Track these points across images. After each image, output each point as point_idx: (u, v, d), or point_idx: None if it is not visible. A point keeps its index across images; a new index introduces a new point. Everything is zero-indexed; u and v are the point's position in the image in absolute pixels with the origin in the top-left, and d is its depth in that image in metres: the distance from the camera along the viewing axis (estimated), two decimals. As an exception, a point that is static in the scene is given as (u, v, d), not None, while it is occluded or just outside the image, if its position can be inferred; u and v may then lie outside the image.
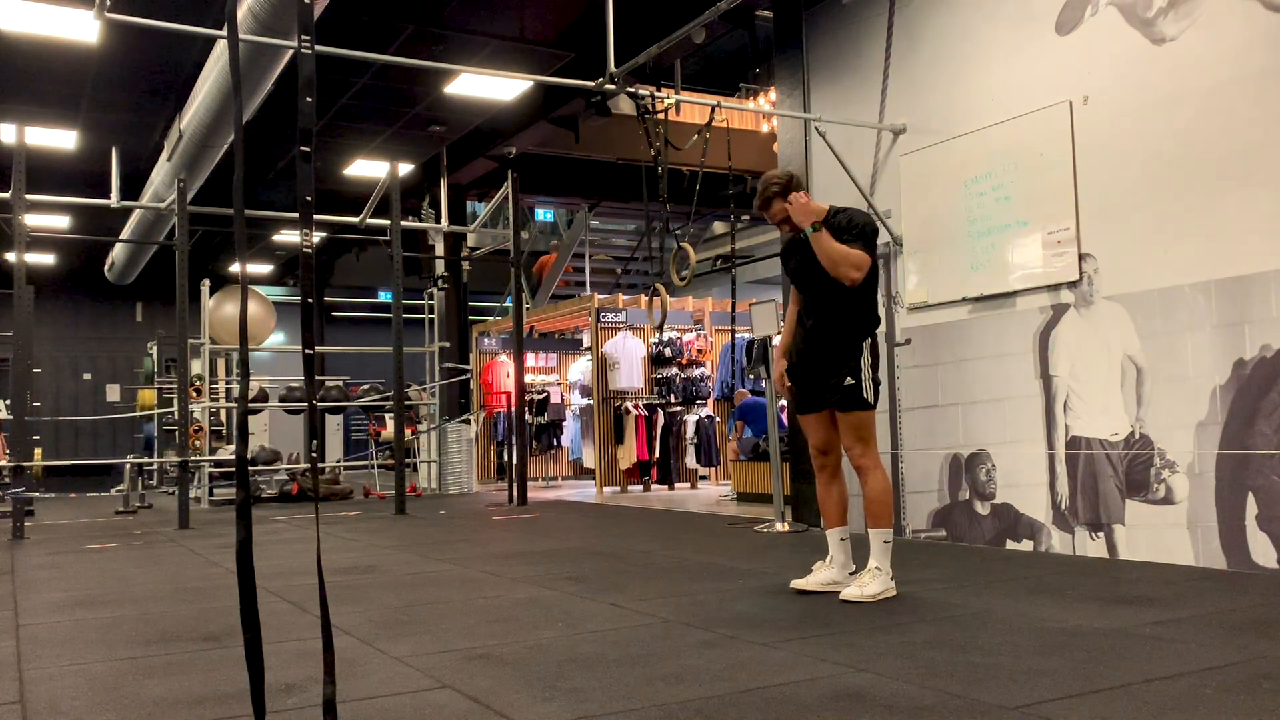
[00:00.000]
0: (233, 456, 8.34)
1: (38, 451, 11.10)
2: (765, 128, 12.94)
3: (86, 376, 19.47)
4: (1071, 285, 5.33)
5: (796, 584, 4.13)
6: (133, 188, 11.71)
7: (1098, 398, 5.20)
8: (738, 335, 10.93)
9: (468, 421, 12.31)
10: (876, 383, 4.09)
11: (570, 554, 5.77)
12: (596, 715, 2.49)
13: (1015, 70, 5.67)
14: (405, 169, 12.24)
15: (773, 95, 9.20)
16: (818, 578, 4.12)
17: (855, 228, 4.02)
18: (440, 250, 13.19)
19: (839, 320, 4.05)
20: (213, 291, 12.05)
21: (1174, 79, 4.86)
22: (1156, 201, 4.93)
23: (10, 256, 8.17)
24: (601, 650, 3.20)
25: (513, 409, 10.73)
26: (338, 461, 14.87)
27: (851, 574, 4.10)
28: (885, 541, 4.00)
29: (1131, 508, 5.00)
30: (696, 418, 11.98)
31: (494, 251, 13.56)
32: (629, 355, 11.82)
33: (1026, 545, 5.52)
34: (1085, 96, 5.28)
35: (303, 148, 2.31)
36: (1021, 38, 5.63)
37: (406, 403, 10.77)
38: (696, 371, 12.20)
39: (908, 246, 6.32)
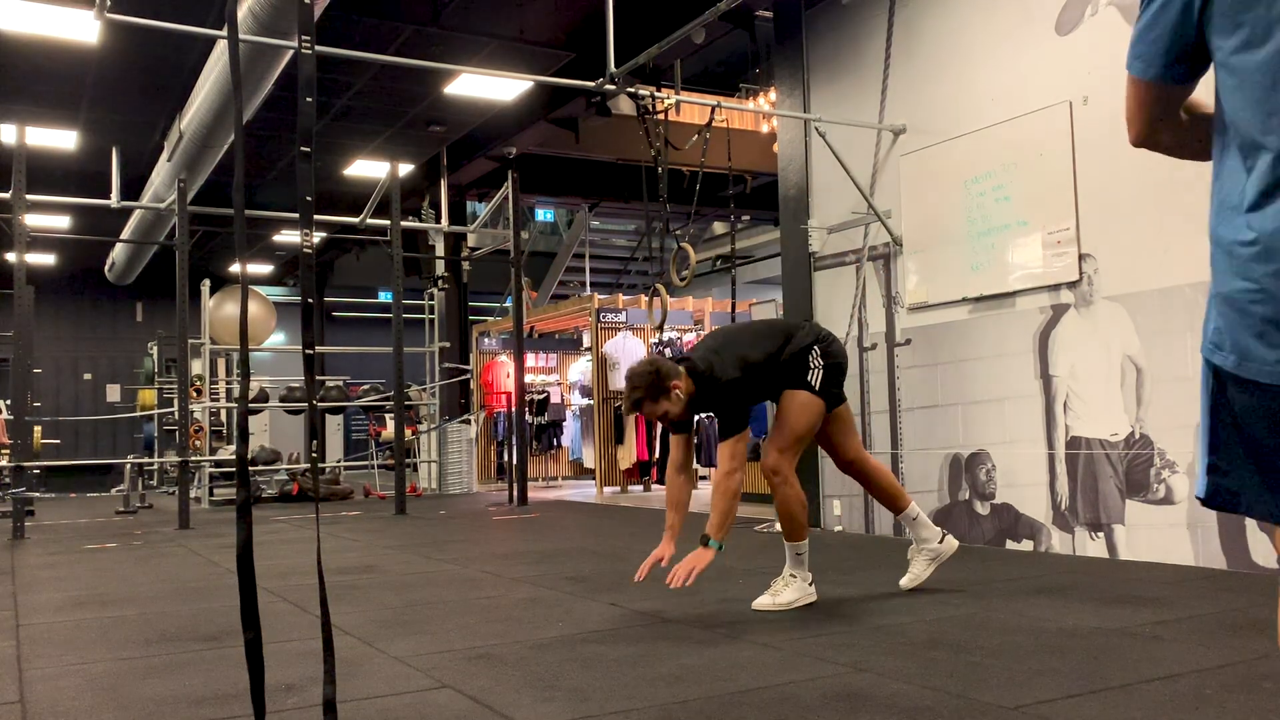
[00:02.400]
0: (233, 456, 8.35)
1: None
2: (765, 128, 12.93)
3: (86, 376, 19.47)
4: (1071, 285, 5.33)
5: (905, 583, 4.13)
6: (133, 188, 11.71)
7: (1098, 398, 5.20)
8: (738, 335, 10.91)
9: (468, 421, 12.30)
10: (824, 377, 3.92)
11: (570, 554, 5.77)
12: (596, 715, 2.49)
13: (1015, 70, 5.67)
14: (405, 169, 12.23)
15: (773, 95, 9.20)
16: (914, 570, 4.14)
17: (713, 398, 3.76)
18: (440, 250, 13.18)
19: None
20: (213, 291, 12.04)
21: (1174, 79, 4.86)
22: (1156, 201, 4.93)
23: (10, 256, 8.17)
24: (601, 650, 3.20)
25: (513, 409, 10.73)
26: (338, 461, 14.86)
27: (940, 541, 4.13)
28: (798, 554, 3.91)
29: (1131, 508, 5.00)
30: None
31: (494, 251, 13.55)
32: (629, 355, 11.80)
33: (1026, 545, 5.52)
34: (1085, 96, 5.28)
35: (303, 148, 2.31)
36: (1021, 38, 5.63)
37: (406, 403, 10.77)
38: (696, 372, 12.18)
39: (908, 246, 6.32)
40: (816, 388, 3.87)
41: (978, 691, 2.59)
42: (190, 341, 9.26)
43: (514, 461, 10.05)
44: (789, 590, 3.86)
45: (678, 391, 3.67)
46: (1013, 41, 5.69)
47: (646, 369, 3.71)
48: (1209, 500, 1.45)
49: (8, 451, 9.67)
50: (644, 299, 10.96)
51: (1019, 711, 2.42)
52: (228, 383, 13.46)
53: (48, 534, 7.94)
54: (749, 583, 4.48)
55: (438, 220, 12.79)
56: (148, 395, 14.76)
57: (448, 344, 12.70)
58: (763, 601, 3.85)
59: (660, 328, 11.26)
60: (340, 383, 12.72)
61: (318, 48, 2.59)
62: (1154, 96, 1.61)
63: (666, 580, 3.59)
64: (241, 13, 6.75)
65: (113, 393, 19.22)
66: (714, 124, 6.48)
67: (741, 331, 4.09)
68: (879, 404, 6.50)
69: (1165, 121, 1.64)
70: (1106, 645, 3.08)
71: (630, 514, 8.62)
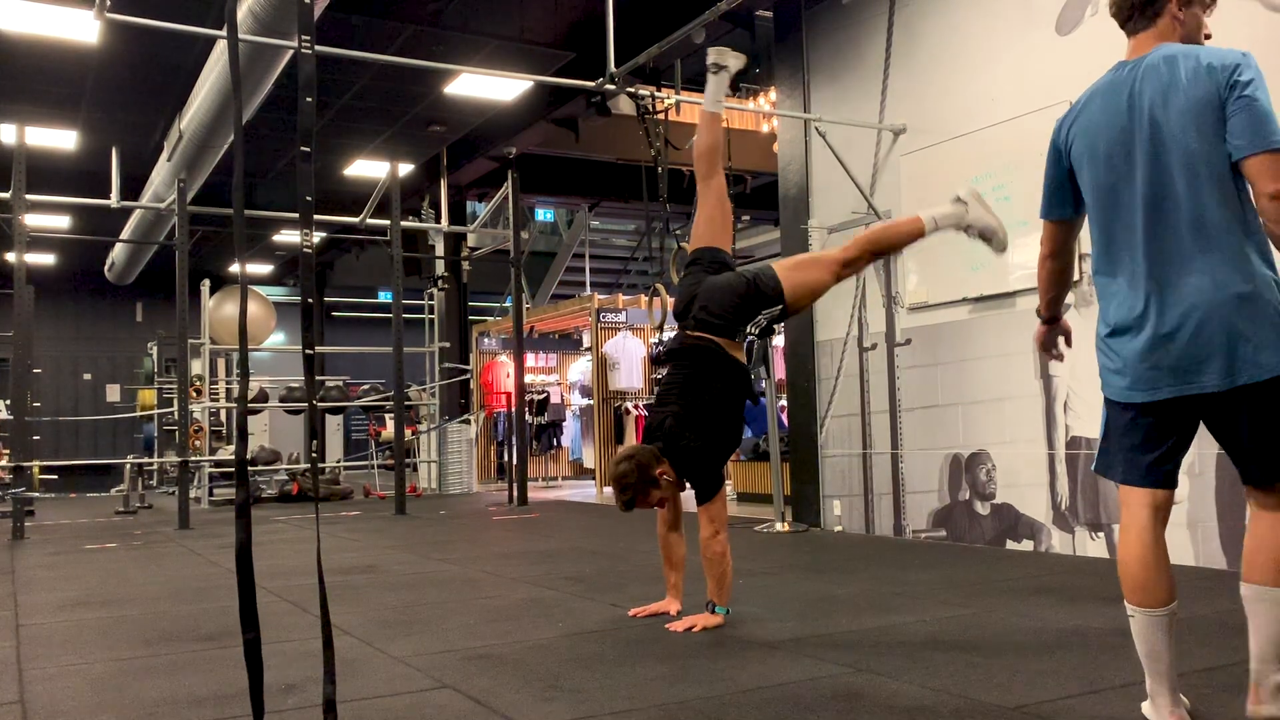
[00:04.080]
0: (233, 456, 8.34)
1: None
2: (765, 128, 12.93)
3: (86, 376, 19.46)
4: (1072, 285, 5.33)
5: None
6: (133, 188, 11.69)
7: (1098, 397, 5.18)
8: (738, 335, 10.93)
9: (468, 421, 12.30)
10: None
11: (570, 554, 5.77)
12: (596, 715, 2.49)
13: (1015, 70, 5.67)
14: (405, 169, 12.23)
15: (773, 95, 9.20)
16: None
17: (683, 467, 3.61)
18: (440, 250, 13.18)
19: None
20: (213, 291, 12.04)
21: (1174, 79, 4.86)
22: (1156, 201, 4.92)
23: (10, 256, 8.16)
24: (601, 650, 3.20)
25: (513, 409, 10.73)
26: (338, 461, 14.87)
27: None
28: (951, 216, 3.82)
29: (1131, 508, 4.99)
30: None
31: (494, 251, 13.55)
32: (629, 355, 11.81)
33: (1026, 545, 5.52)
34: (1085, 96, 5.27)
35: (303, 148, 2.31)
36: (1021, 38, 5.63)
37: (406, 403, 10.77)
38: (696, 371, 12.18)
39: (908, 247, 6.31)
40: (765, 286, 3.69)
41: (978, 691, 2.59)
42: (190, 341, 9.26)
43: (514, 461, 10.05)
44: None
45: (665, 477, 3.57)
46: (1013, 41, 5.69)
47: (628, 467, 3.54)
48: (1098, 471, 2.50)
49: (8, 451, 9.68)
50: (644, 299, 10.96)
51: (1019, 711, 2.42)
52: (227, 383, 13.46)
53: (48, 534, 7.94)
54: (749, 583, 4.48)
55: (438, 220, 12.79)
56: (147, 395, 14.75)
57: (448, 344, 12.69)
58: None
59: (660, 328, 11.28)
60: (340, 383, 12.72)
61: (318, 48, 2.59)
62: (1047, 233, 2.44)
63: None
64: (241, 13, 6.74)
65: (113, 393, 19.21)
66: (714, 124, 6.46)
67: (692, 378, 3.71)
68: (879, 404, 6.50)
69: (1060, 252, 2.57)
70: (1106, 645, 3.08)
71: (630, 514, 8.61)
